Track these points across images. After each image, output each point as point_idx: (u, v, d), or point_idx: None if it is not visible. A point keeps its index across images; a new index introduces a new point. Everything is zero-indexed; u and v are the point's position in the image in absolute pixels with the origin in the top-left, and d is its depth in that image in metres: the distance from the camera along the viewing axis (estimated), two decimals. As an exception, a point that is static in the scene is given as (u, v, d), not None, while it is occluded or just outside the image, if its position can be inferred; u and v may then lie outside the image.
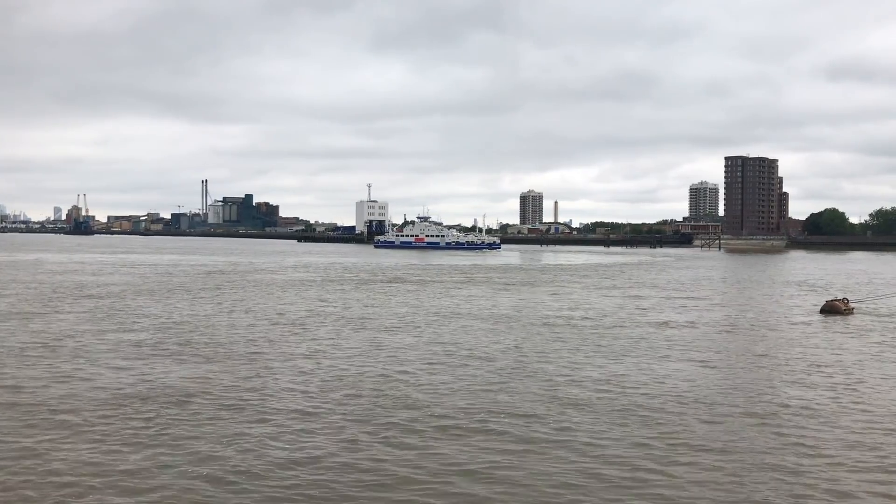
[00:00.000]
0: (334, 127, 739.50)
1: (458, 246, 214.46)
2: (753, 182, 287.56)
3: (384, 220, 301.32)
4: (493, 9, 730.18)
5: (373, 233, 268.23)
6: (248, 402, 21.88)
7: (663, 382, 25.13)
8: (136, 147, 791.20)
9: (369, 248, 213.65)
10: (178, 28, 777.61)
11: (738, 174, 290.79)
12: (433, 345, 32.91)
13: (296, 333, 36.03)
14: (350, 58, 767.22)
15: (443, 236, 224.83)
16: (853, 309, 48.14)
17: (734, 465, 16.71)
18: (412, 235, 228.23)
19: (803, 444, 18.29)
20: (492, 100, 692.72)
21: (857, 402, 22.72)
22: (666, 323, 41.62)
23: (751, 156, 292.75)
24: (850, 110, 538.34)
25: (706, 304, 53.35)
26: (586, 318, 43.84)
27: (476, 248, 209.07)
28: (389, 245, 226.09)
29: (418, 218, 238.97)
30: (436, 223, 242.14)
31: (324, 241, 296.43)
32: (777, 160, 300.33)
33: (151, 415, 20.29)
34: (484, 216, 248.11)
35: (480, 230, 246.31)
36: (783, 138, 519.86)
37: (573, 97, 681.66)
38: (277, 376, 25.53)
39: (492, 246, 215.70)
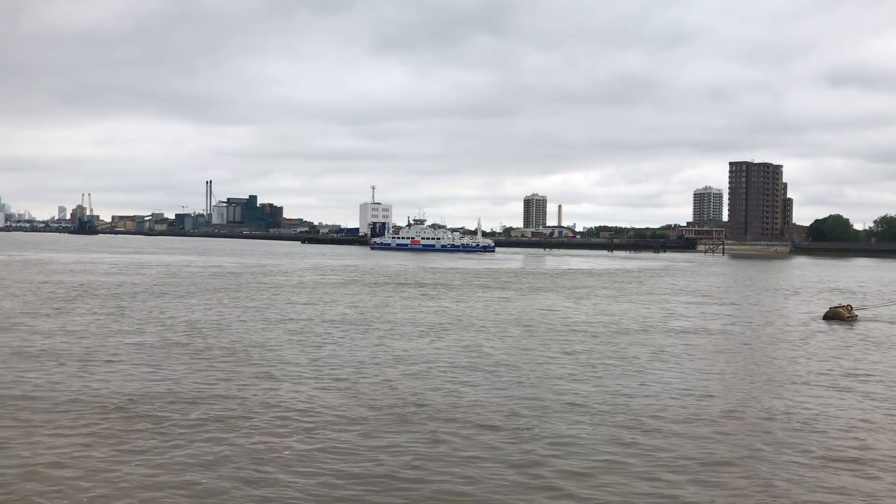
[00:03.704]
0: (336, 129, 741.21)
1: (454, 248, 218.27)
2: (758, 187, 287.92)
3: (387, 223, 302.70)
4: (493, 12, 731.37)
5: (377, 235, 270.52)
6: (274, 406, 22.61)
7: (682, 392, 25.82)
8: (139, 147, 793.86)
9: (367, 250, 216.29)
10: (179, 29, 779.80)
11: (743, 179, 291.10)
12: (455, 349, 33.66)
13: (311, 338, 36.72)
14: (351, 60, 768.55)
15: (438, 239, 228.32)
16: (856, 316, 48.74)
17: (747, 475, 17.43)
18: (408, 238, 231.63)
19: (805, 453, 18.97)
20: (493, 103, 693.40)
21: (859, 409, 23.40)
22: (683, 330, 42.24)
23: (755, 161, 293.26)
24: (851, 117, 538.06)
25: (710, 311, 53.96)
26: (593, 323, 44.54)
27: (471, 251, 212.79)
28: (385, 247, 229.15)
29: (414, 220, 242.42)
30: (440, 225, 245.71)
31: (327, 243, 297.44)
32: (781, 166, 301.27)
33: (178, 419, 20.98)
34: (479, 220, 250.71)
35: (471, 233, 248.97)
36: (785, 144, 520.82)
37: (574, 101, 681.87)
38: (286, 380, 26.30)
39: (486, 248, 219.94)
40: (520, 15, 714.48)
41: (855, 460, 17.92)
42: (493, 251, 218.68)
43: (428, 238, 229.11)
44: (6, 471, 16.10)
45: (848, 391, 25.69)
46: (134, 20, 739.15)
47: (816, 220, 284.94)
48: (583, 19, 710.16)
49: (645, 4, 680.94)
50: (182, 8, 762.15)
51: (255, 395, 23.25)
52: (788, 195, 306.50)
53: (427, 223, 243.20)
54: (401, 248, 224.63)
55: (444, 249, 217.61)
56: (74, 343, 32.47)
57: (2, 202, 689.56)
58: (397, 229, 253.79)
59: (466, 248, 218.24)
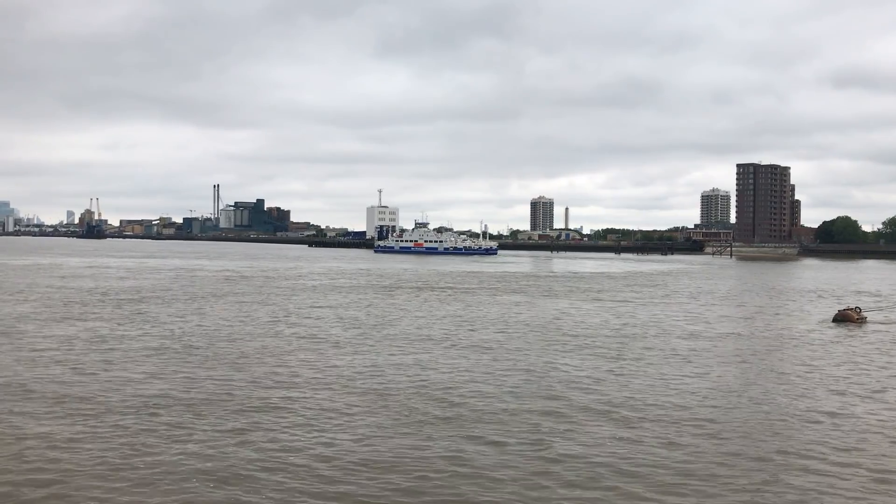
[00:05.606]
0: (340, 132, 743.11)
1: (456, 251, 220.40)
2: (765, 189, 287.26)
3: (394, 226, 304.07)
4: (497, 15, 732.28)
5: (383, 238, 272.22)
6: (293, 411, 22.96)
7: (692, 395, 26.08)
8: (144, 151, 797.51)
9: (371, 253, 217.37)
10: (183, 33, 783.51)
11: (750, 181, 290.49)
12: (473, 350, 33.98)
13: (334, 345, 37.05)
14: (355, 63, 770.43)
15: (441, 241, 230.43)
16: (866, 318, 48.79)
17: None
18: (411, 241, 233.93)
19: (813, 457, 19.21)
20: (496, 106, 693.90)
21: (870, 413, 23.62)
22: (698, 334, 42.34)
23: (762, 163, 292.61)
24: (857, 118, 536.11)
25: (724, 313, 54.06)
26: (613, 327, 44.77)
27: (473, 254, 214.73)
28: (389, 250, 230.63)
29: (417, 224, 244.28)
30: (447, 228, 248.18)
31: (334, 246, 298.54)
32: (789, 168, 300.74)
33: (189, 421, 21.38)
34: (481, 222, 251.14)
35: (478, 236, 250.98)
36: (791, 146, 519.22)
37: (577, 104, 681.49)
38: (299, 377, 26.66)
39: (488, 251, 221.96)
40: (523, 18, 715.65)
41: (871, 468, 18.03)
42: (496, 254, 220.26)
43: (431, 241, 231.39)
44: (15, 466, 16.52)
45: (857, 396, 25.85)
46: (138, 25, 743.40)
47: (824, 222, 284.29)
48: (586, 22, 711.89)
49: (648, 7, 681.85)
50: (186, 12, 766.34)
51: (270, 400, 23.56)
52: (796, 197, 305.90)
53: (432, 226, 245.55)
54: (404, 250, 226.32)
55: (446, 252, 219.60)
56: (90, 348, 32.78)
57: (10, 207, 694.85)
58: (401, 232, 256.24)
59: (469, 251, 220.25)
